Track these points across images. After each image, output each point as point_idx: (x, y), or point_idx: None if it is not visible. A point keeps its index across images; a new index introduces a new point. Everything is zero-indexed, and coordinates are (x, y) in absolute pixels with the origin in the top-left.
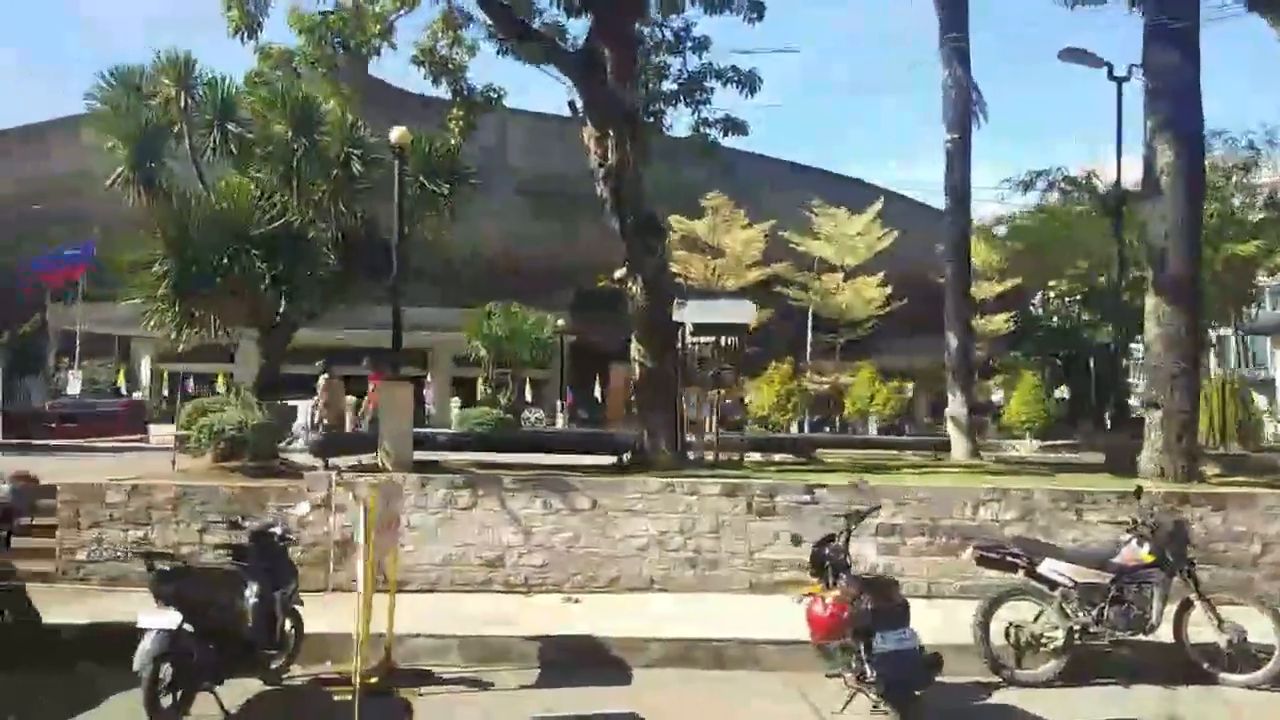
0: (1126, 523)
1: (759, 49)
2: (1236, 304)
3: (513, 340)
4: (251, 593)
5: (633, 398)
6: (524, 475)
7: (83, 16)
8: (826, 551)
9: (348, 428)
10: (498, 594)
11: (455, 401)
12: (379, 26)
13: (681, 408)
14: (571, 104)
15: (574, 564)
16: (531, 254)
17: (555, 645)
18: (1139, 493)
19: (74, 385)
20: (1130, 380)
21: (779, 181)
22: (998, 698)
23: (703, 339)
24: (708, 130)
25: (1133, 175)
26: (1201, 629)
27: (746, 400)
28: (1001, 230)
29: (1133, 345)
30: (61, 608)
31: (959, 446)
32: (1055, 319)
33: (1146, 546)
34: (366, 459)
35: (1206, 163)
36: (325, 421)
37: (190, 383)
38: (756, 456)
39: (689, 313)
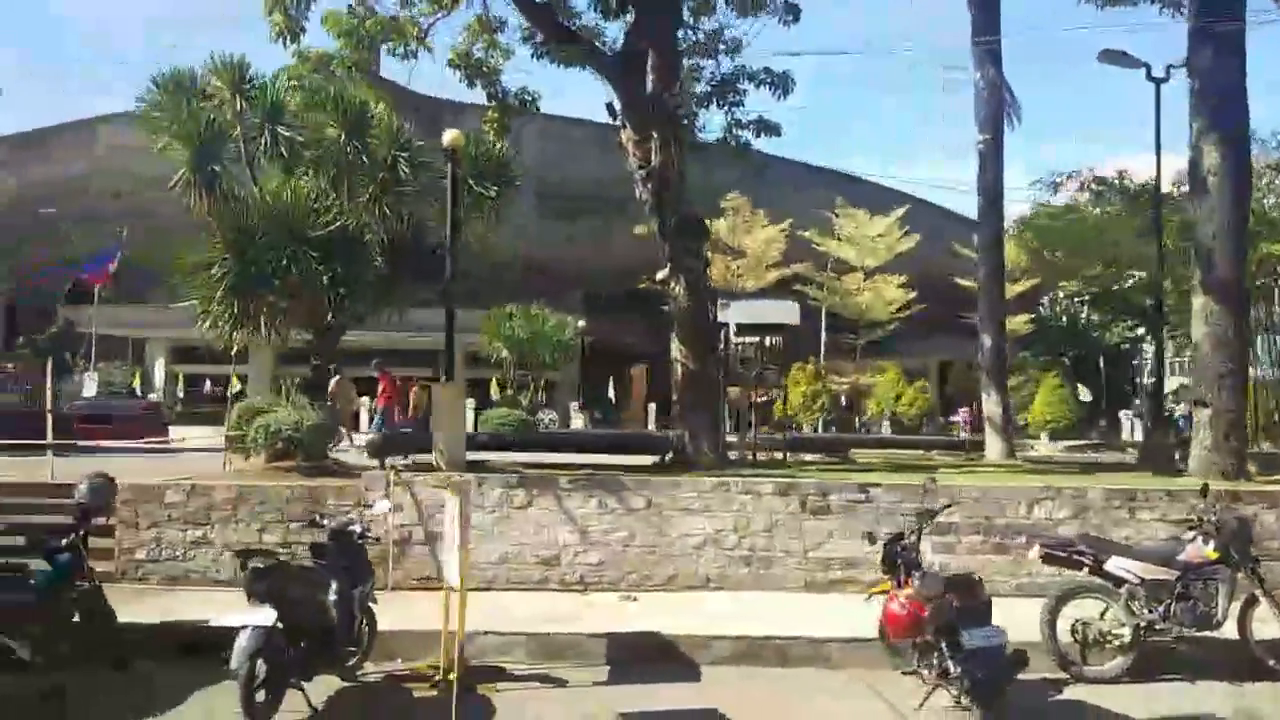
0: (1179, 521)
1: (803, 50)
2: (1268, 304)
3: (534, 342)
4: (334, 590)
5: (671, 399)
6: (578, 474)
7: (75, 17)
8: (898, 550)
9: (362, 426)
10: (554, 592)
11: (470, 402)
12: (416, 30)
13: (723, 408)
14: (609, 106)
15: (629, 562)
16: (539, 255)
17: (621, 643)
18: (1204, 490)
19: (90, 387)
20: (1139, 381)
21: (795, 182)
22: (1069, 694)
23: (746, 339)
24: (740, 132)
25: (1140, 174)
26: (1266, 625)
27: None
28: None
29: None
30: (124, 607)
31: (994, 446)
32: (1064, 319)
33: (1211, 543)
34: (420, 458)
35: None
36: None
37: (208, 384)
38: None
39: (733, 313)
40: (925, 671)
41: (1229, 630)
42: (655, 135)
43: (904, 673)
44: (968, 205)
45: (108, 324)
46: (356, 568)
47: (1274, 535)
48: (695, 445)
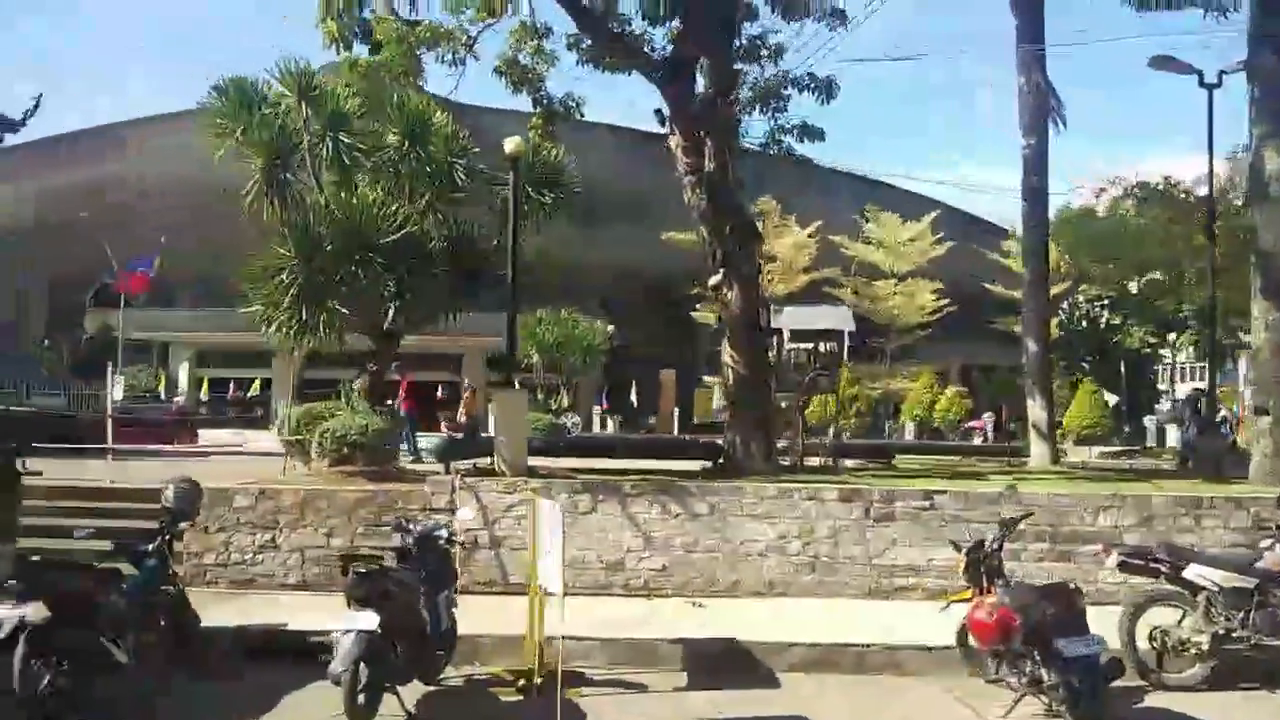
0: (1246, 528)
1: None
2: None
3: (564, 346)
4: (426, 595)
5: (692, 405)
6: (641, 480)
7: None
8: (980, 558)
9: None
10: (618, 597)
11: (491, 406)
12: (465, 38)
13: (773, 413)
14: (658, 112)
15: (693, 568)
16: (558, 258)
17: (697, 648)
18: None
19: (117, 391)
20: (1161, 387)
21: (822, 186)
22: (1151, 701)
23: (800, 345)
24: (783, 138)
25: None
26: None
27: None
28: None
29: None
30: (199, 611)
31: (1038, 452)
32: (1084, 323)
33: None
34: (479, 463)
35: None
36: None
37: (232, 387)
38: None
39: (786, 319)
40: (1013, 679)
41: None
42: (709, 141)
43: (986, 681)
44: (987, 208)
45: (134, 328)
46: (442, 573)
47: None
48: (746, 450)
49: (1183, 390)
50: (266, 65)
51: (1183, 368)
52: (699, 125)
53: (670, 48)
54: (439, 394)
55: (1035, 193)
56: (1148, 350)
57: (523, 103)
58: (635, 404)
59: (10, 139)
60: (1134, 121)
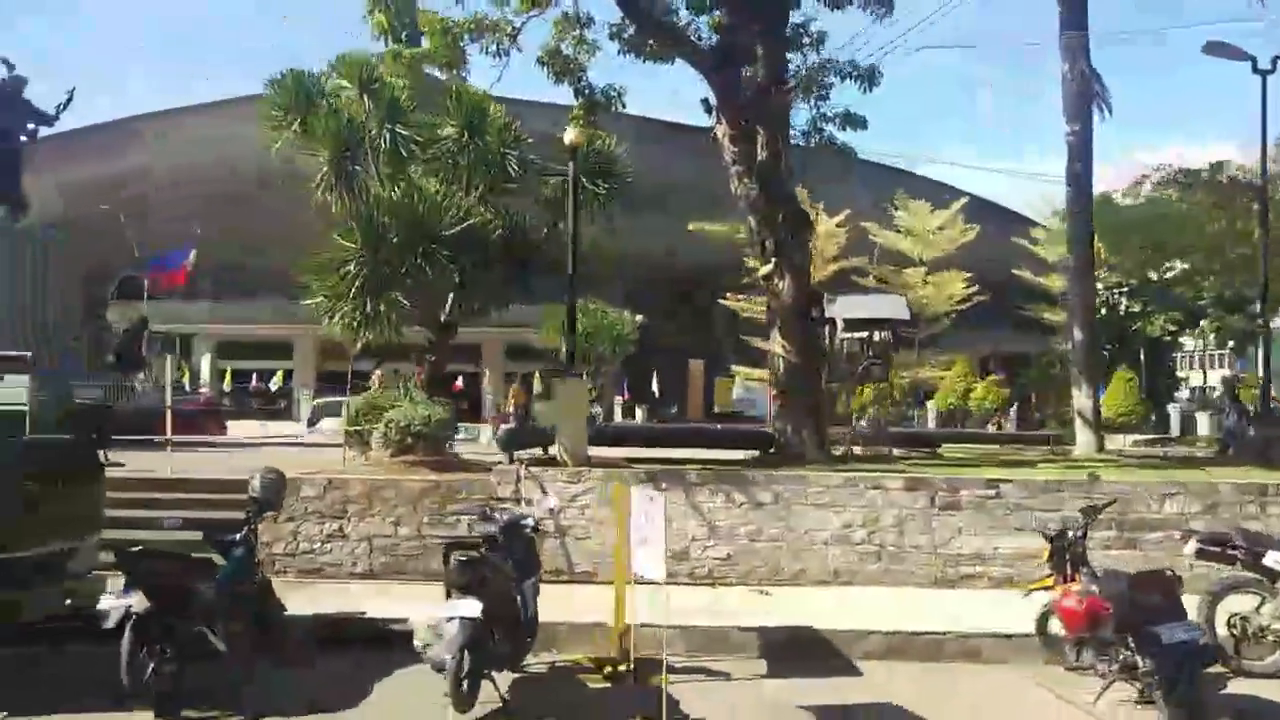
0: None
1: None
2: None
3: (595, 337)
4: (514, 582)
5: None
6: (703, 469)
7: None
8: (1064, 547)
9: None
10: (684, 585)
11: (486, 398)
12: (509, 28)
13: (824, 402)
14: (704, 101)
15: (757, 556)
16: (607, 249)
17: (772, 636)
18: None
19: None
20: (1180, 374)
21: (843, 173)
22: (1234, 687)
23: (853, 334)
24: (824, 126)
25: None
26: None
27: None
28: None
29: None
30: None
31: (1084, 440)
32: (1104, 310)
33: None
34: (532, 454)
35: None
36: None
37: (254, 379)
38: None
39: (839, 308)
40: (1102, 666)
41: None
42: (762, 130)
43: (1066, 668)
44: (1007, 193)
45: (156, 320)
46: (528, 561)
47: None
48: (797, 439)
49: (1199, 378)
50: (276, 64)
51: (1201, 355)
52: (749, 114)
53: (716, 36)
54: (457, 384)
55: (1079, 180)
56: (1168, 338)
57: (551, 92)
58: (657, 394)
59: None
60: (1152, 108)
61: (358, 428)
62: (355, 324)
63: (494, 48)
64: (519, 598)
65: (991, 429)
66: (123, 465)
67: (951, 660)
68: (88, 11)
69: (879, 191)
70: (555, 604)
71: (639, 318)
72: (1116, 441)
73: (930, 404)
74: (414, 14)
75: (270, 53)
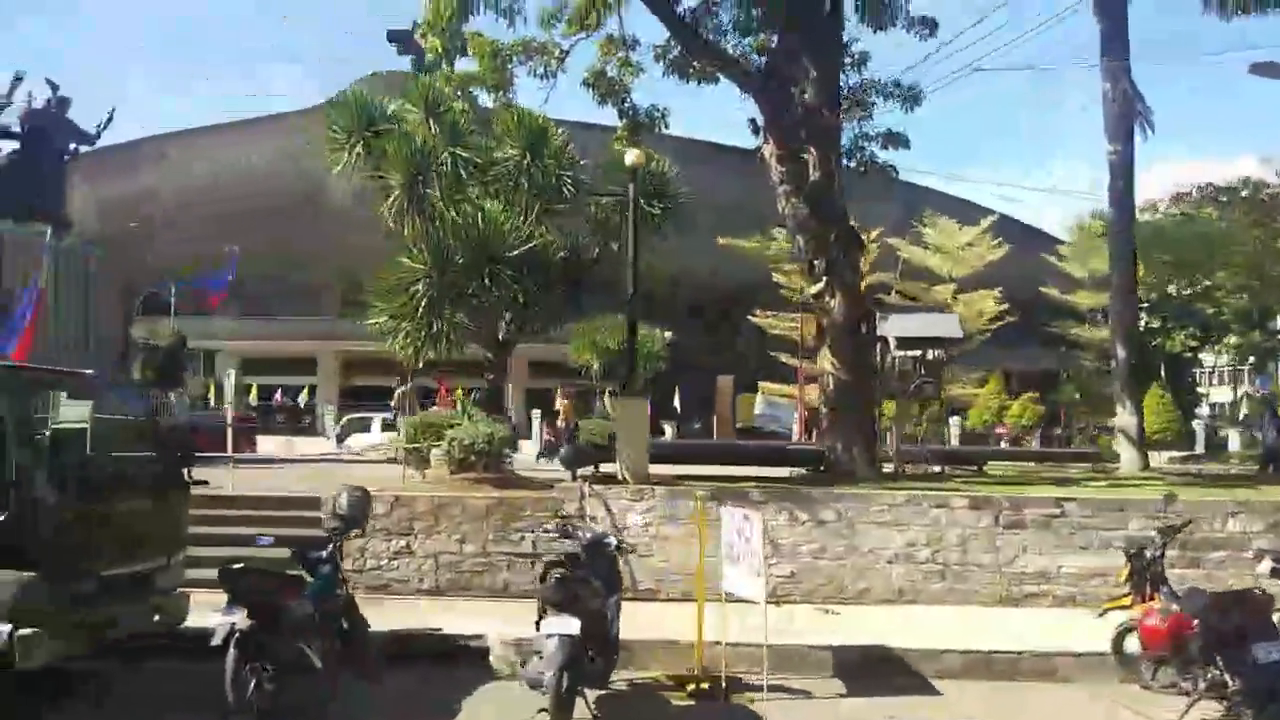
0: None
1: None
2: None
3: (623, 353)
4: (604, 600)
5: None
6: (762, 486)
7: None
8: (1143, 566)
9: None
10: (749, 604)
11: (535, 414)
12: (557, 51)
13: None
14: (752, 121)
15: (821, 575)
16: (660, 270)
17: (847, 655)
18: None
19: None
20: (1200, 390)
21: (873, 192)
22: None
23: (905, 353)
24: (866, 145)
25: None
26: None
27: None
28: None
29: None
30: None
31: (1129, 458)
32: None
33: None
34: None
35: None
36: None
37: (279, 394)
38: (929, 469)
39: (892, 326)
40: (1186, 685)
41: None
42: (814, 150)
43: (1141, 686)
44: (1025, 208)
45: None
46: (610, 579)
47: None
48: (848, 456)
49: (1219, 394)
50: (276, 62)
51: (1220, 371)
52: (799, 134)
53: (762, 57)
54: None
55: (1121, 199)
56: (1189, 354)
57: (582, 111)
58: (679, 409)
59: None
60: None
61: (416, 445)
62: (419, 343)
63: (541, 70)
64: (608, 614)
65: (1004, 445)
66: (207, 484)
67: (1026, 679)
68: (87, 12)
69: (905, 208)
70: (622, 621)
71: (668, 334)
72: (1152, 459)
73: (953, 421)
74: (462, 38)
75: (269, 52)
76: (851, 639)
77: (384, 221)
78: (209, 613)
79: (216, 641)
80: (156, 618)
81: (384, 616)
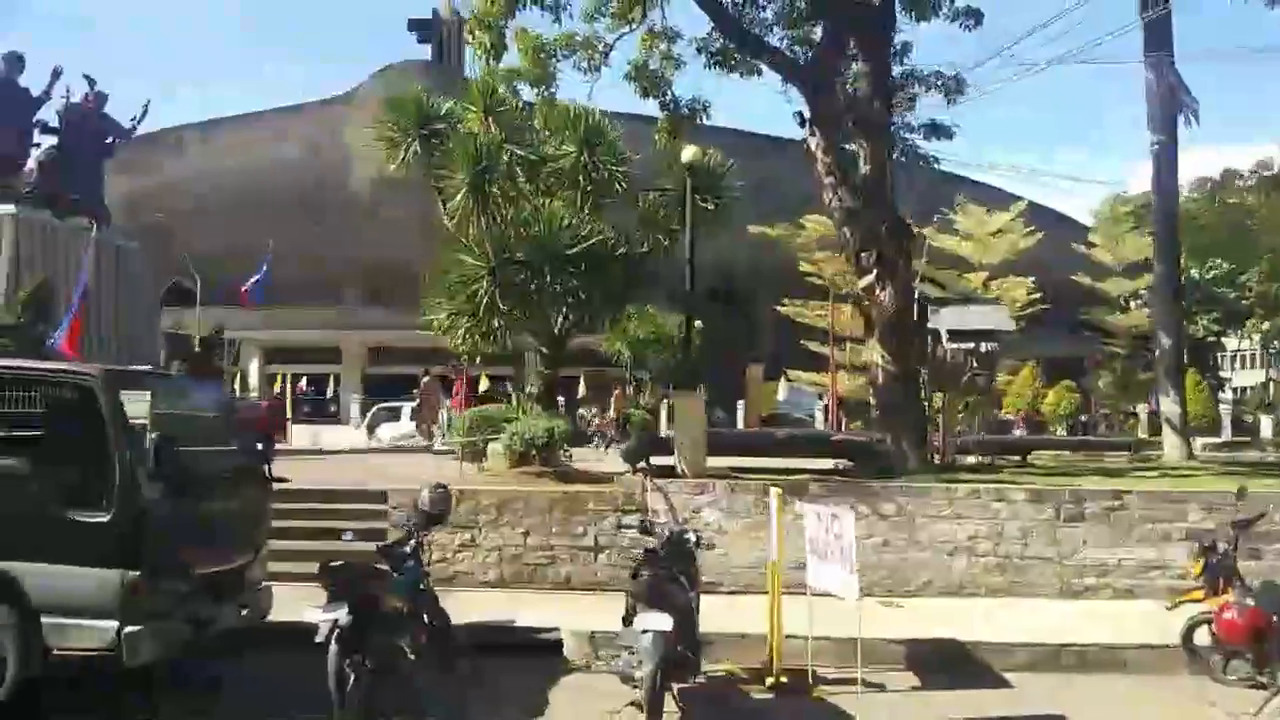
0: None
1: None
2: None
3: (656, 344)
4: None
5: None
6: (820, 479)
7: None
8: (1216, 559)
9: (441, 422)
10: (813, 597)
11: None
12: (602, 45)
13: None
14: (799, 114)
15: (883, 568)
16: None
17: (919, 648)
18: None
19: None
20: (1224, 374)
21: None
22: None
23: (958, 345)
24: (908, 136)
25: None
26: None
27: None
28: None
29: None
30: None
31: (1172, 446)
32: (1145, 309)
33: None
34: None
35: None
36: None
37: (304, 383)
38: (970, 460)
39: (944, 319)
40: (1263, 678)
41: None
42: (865, 143)
43: (1213, 679)
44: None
45: (208, 326)
46: (689, 574)
47: None
48: (898, 449)
49: (1240, 379)
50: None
51: (1243, 355)
52: (850, 126)
53: (805, 50)
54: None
55: (1165, 189)
56: (1213, 339)
57: (621, 104)
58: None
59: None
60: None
61: (472, 440)
62: (477, 338)
63: (585, 64)
64: (695, 611)
65: (1018, 433)
66: (288, 480)
67: (1101, 671)
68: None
69: (934, 195)
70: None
71: (698, 324)
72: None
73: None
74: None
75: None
76: (918, 632)
77: (440, 218)
78: (306, 608)
79: (321, 637)
80: (244, 612)
81: (453, 609)
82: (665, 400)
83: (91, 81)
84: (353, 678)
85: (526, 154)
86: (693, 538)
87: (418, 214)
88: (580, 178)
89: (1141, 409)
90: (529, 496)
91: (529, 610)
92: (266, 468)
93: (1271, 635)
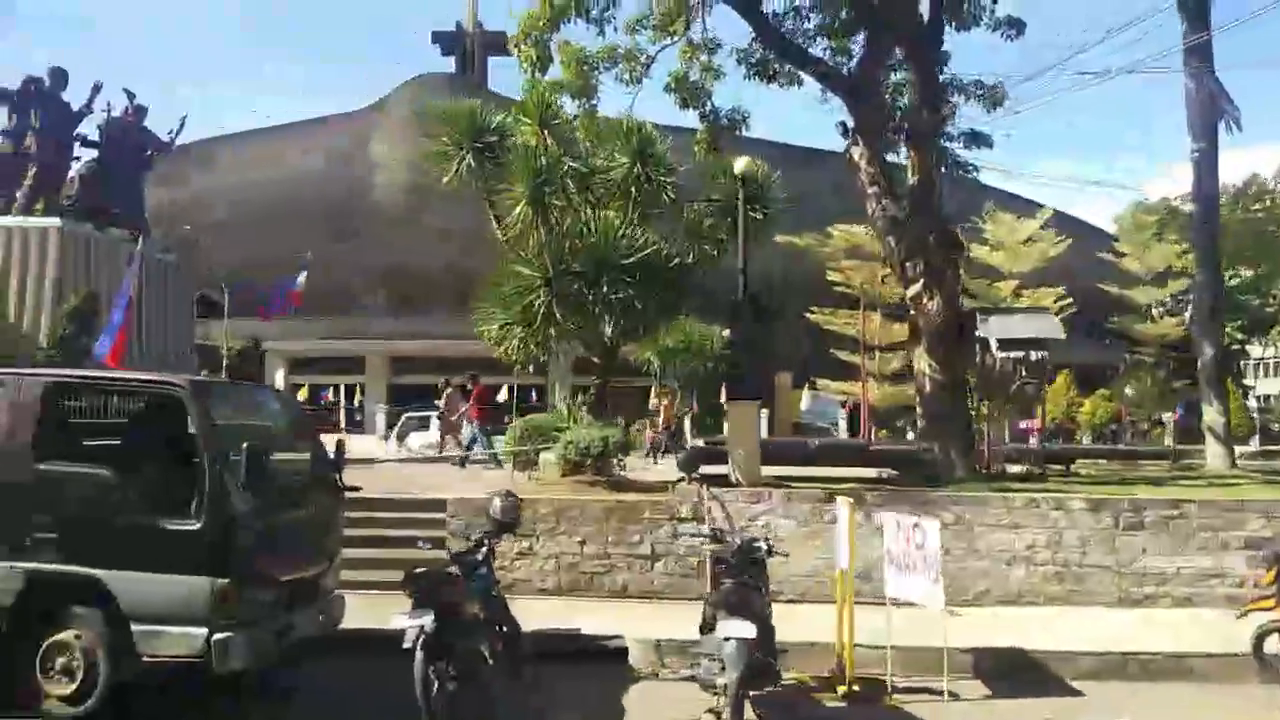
0: None
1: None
2: None
3: (686, 353)
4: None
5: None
6: (874, 488)
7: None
8: None
9: (463, 433)
10: (868, 605)
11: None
12: (644, 57)
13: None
14: (842, 124)
15: (942, 576)
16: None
17: (984, 656)
18: None
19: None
20: (1247, 382)
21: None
22: None
23: (1008, 354)
24: (948, 144)
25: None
26: None
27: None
28: None
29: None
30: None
31: (1215, 455)
32: (1168, 317)
33: None
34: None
35: None
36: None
37: (330, 393)
38: (1016, 468)
39: (993, 327)
40: None
41: None
42: (914, 153)
43: None
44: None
45: (232, 336)
46: (760, 583)
47: None
48: (945, 458)
49: (1265, 387)
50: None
51: (1266, 364)
52: (888, 136)
53: (850, 61)
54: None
55: (1206, 197)
56: (1236, 346)
57: (658, 115)
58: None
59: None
60: None
61: (523, 449)
62: (532, 347)
63: (627, 76)
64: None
65: (1033, 441)
66: (360, 489)
67: (1168, 680)
68: (88, 13)
69: (963, 203)
70: None
71: (726, 332)
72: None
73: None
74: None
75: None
76: (978, 641)
77: (494, 230)
78: (393, 615)
79: (408, 644)
80: (320, 619)
81: (515, 616)
82: (689, 410)
83: (131, 95)
84: (437, 684)
85: (579, 166)
86: (763, 546)
87: (442, 225)
88: (632, 189)
89: (1168, 417)
90: (585, 505)
91: (587, 618)
92: (339, 476)
93: None
